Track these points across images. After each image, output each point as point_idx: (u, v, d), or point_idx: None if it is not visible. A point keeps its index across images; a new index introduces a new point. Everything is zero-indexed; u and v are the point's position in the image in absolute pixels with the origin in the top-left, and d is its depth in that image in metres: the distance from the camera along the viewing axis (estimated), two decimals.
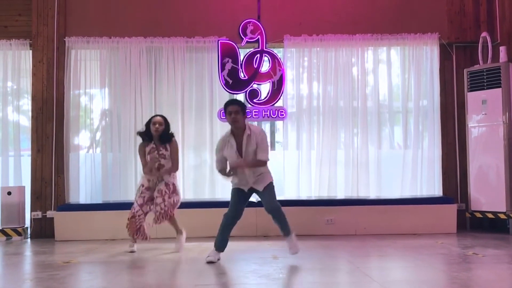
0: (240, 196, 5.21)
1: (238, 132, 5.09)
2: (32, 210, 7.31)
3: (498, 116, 6.92)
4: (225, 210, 6.76)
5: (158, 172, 5.81)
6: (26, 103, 7.77)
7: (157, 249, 5.90)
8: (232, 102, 5.20)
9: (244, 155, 5.06)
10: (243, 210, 5.25)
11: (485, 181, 7.05)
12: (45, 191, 7.35)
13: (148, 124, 5.86)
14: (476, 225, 7.27)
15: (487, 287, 3.98)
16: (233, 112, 5.03)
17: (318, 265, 5.00)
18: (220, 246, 5.19)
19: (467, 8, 7.63)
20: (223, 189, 7.46)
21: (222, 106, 7.33)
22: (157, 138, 5.82)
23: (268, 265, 4.96)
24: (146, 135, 5.85)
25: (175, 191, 5.83)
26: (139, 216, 5.70)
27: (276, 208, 5.14)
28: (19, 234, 7.06)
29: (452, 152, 7.58)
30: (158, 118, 5.87)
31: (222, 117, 7.29)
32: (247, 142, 5.05)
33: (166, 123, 5.87)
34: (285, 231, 5.22)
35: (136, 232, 5.72)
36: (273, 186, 5.25)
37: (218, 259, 5.12)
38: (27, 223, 7.31)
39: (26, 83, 7.65)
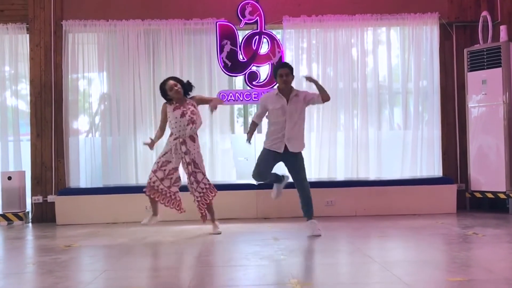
0: (269, 157, 5.57)
1: (286, 92, 5.55)
2: (32, 194, 7.32)
3: (498, 96, 6.90)
4: (224, 192, 6.80)
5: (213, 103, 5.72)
6: (25, 88, 7.73)
7: (159, 232, 5.91)
8: (282, 66, 5.66)
9: (289, 113, 5.48)
10: (269, 172, 5.64)
11: (485, 161, 7.05)
12: (45, 175, 7.35)
13: (163, 90, 5.71)
14: (476, 205, 7.29)
15: (487, 266, 4.01)
16: (284, 74, 5.51)
17: (318, 246, 5.03)
18: (276, 180, 5.79)
19: None
20: (223, 172, 7.48)
21: (221, 88, 7.39)
22: (179, 99, 5.68)
23: (269, 246, 4.99)
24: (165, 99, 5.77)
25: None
26: (158, 187, 5.61)
27: (306, 188, 5.55)
28: (20, 218, 7.08)
29: (452, 132, 7.57)
30: (171, 81, 5.69)
31: (221, 99, 7.26)
32: (293, 100, 5.53)
33: (180, 81, 5.76)
34: (308, 213, 5.58)
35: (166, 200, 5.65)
36: (303, 158, 5.66)
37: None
38: (28, 207, 7.32)
39: (24, 67, 7.59)
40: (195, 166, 5.61)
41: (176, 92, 5.63)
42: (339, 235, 5.57)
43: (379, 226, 6.07)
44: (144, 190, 5.67)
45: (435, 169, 7.49)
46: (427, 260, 4.29)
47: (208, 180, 5.70)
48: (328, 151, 7.45)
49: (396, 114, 7.74)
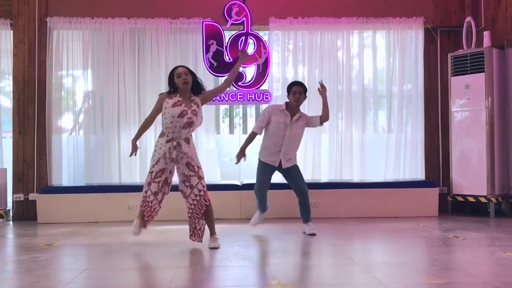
0: (266, 169, 5.68)
1: (293, 110, 5.64)
2: (14, 192, 7.23)
3: (481, 101, 6.97)
4: (208, 193, 6.78)
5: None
6: (8, 84, 7.64)
7: (141, 232, 5.87)
8: (297, 83, 5.79)
9: (289, 130, 5.59)
10: (268, 184, 5.75)
11: (467, 165, 7.12)
12: (27, 173, 7.27)
13: (171, 78, 4.91)
14: (458, 208, 7.36)
15: (466, 269, 4.04)
16: (298, 92, 5.62)
17: (300, 247, 5.05)
18: (264, 205, 5.79)
19: None
20: (207, 172, 7.42)
21: (207, 88, 7.30)
22: (186, 92, 4.87)
23: (251, 247, 4.99)
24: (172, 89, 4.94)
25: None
26: (152, 203, 4.88)
27: (305, 191, 5.68)
28: (1, 216, 6.98)
29: (435, 136, 7.64)
30: (182, 68, 4.90)
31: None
32: (297, 120, 5.65)
33: (192, 73, 4.95)
34: (306, 217, 5.71)
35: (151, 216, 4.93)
36: (298, 167, 5.82)
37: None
38: (9, 205, 7.24)
39: (7, 63, 7.51)
40: (190, 169, 4.84)
41: (184, 82, 4.80)
42: (321, 237, 5.58)
43: (362, 228, 6.10)
44: (141, 205, 4.94)
45: (418, 172, 7.55)
46: (408, 262, 4.32)
47: (203, 186, 4.86)
48: (313, 152, 7.48)
49: (381, 117, 7.79)
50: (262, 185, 5.71)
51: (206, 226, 5.01)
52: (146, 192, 4.87)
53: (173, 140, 4.81)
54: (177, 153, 4.82)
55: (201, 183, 4.84)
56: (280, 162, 5.64)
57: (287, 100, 5.73)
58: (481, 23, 7.43)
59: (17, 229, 6.50)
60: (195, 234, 4.96)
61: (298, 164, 7.34)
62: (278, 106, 5.81)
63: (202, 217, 4.90)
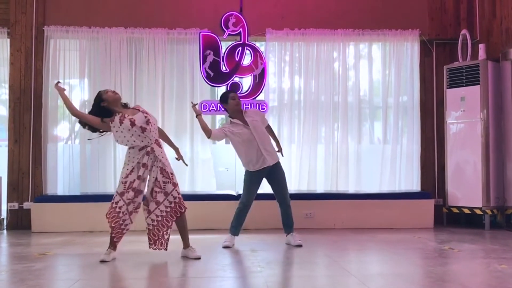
0: (255, 181, 5.64)
1: (241, 117, 5.61)
2: (8, 201, 7.19)
3: (476, 113, 7.00)
4: (204, 202, 6.81)
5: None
6: (4, 93, 7.64)
7: (136, 242, 5.86)
8: (231, 91, 5.97)
9: (253, 130, 5.54)
10: (255, 195, 5.71)
11: (462, 177, 7.14)
12: (22, 182, 7.24)
13: (98, 104, 4.90)
14: (453, 220, 7.36)
15: (461, 281, 4.04)
16: (236, 97, 5.69)
17: (296, 258, 5.03)
18: (235, 231, 5.68)
19: (447, 5, 7.72)
20: (203, 182, 7.45)
21: (203, 98, 7.40)
22: (119, 106, 4.91)
23: (246, 258, 4.97)
24: (106, 115, 4.87)
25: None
26: (122, 213, 4.78)
27: (288, 202, 5.71)
28: None
29: (431, 148, 7.67)
30: (107, 93, 4.94)
31: (203, 110, 7.27)
32: (249, 117, 5.62)
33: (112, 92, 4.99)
34: (288, 227, 5.72)
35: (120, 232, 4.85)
36: (284, 173, 5.78)
37: (233, 245, 5.58)
38: (3, 214, 7.20)
39: (4, 72, 7.51)
40: (164, 175, 4.81)
41: (114, 93, 4.89)
42: (317, 248, 5.57)
43: (357, 239, 6.09)
44: (106, 215, 4.83)
45: (414, 184, 7.55)
46: (403, 274, 4.32)
47: (178, 193, 4.84)
48: (308, 163, 7.48)
49: (376, 128, 7.82)
50: (249, 200, 5.65)
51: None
52: (117, 202, 4.77)
53: (146, 147, 4.79)
54: (151, 158, 4.80)
55: (176, 190, 4.82)
56: (267, 161, 5.57)
57: (230, 117, 5.71)
58: (477, 36, 7.49)
59: (11, 238, 6.46)
60: (161, 243, 4.89)
61: (293, 174, 7.41)
62: (227, 125, 5.70)
63: (171, 225, 4.86)
